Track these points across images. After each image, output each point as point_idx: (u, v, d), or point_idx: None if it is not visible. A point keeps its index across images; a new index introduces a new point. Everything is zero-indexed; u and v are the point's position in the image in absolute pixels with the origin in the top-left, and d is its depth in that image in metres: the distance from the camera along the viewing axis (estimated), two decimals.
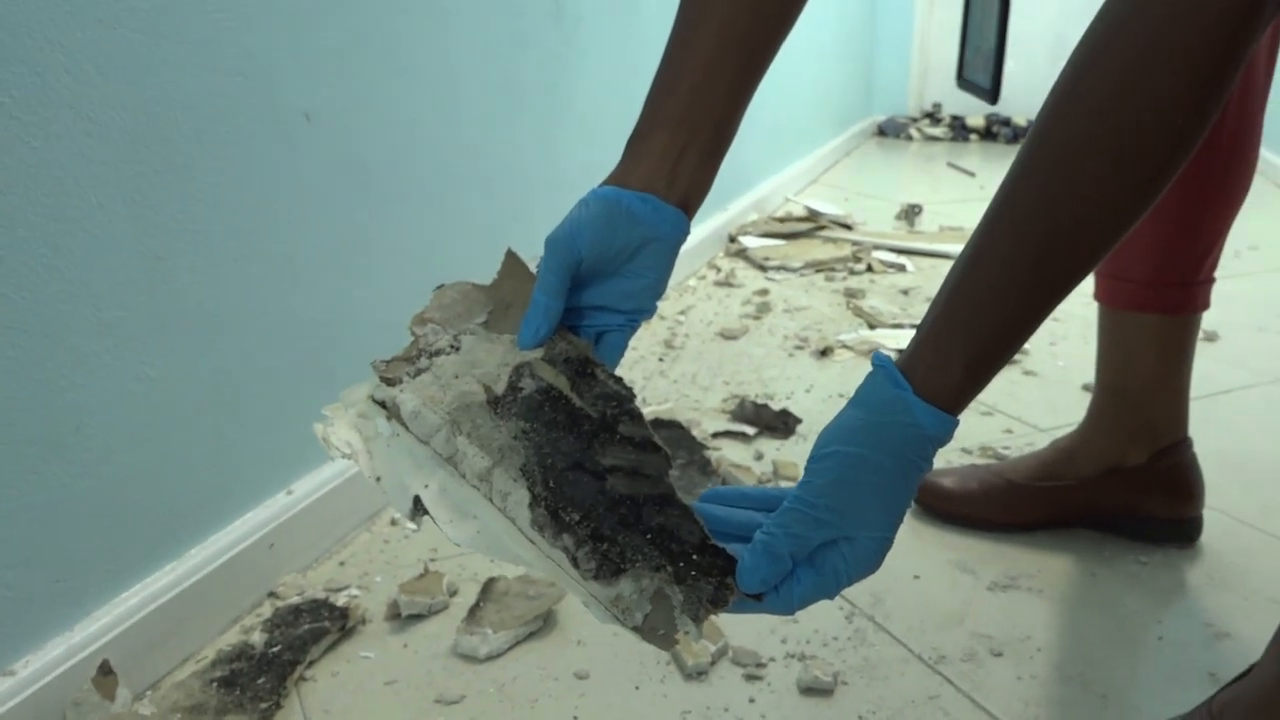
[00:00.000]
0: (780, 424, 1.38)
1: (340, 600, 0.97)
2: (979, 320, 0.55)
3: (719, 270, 2.22)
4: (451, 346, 0.66)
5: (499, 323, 0.67)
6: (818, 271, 2.21)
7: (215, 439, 0.94)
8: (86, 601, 0.82)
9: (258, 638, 0.90)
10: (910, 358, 0.56)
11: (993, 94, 0.82)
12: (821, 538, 0.55)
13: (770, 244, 2.38)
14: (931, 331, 0.56)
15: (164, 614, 0.87)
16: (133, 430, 0.84)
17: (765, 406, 1.41)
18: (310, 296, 1.04)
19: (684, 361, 1.67)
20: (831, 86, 3.80)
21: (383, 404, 0.63)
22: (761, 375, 1.61)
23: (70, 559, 0.80)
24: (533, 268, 0.66)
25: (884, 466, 0.54)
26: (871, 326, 1.83)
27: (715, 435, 1.36)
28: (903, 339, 1.74)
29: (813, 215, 2.61)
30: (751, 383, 1.57)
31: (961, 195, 3.14)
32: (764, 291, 2.05)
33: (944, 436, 0.54)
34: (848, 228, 2.57)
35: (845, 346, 1.73)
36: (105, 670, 0.80)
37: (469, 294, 0.70)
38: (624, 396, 0.63)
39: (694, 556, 0.57)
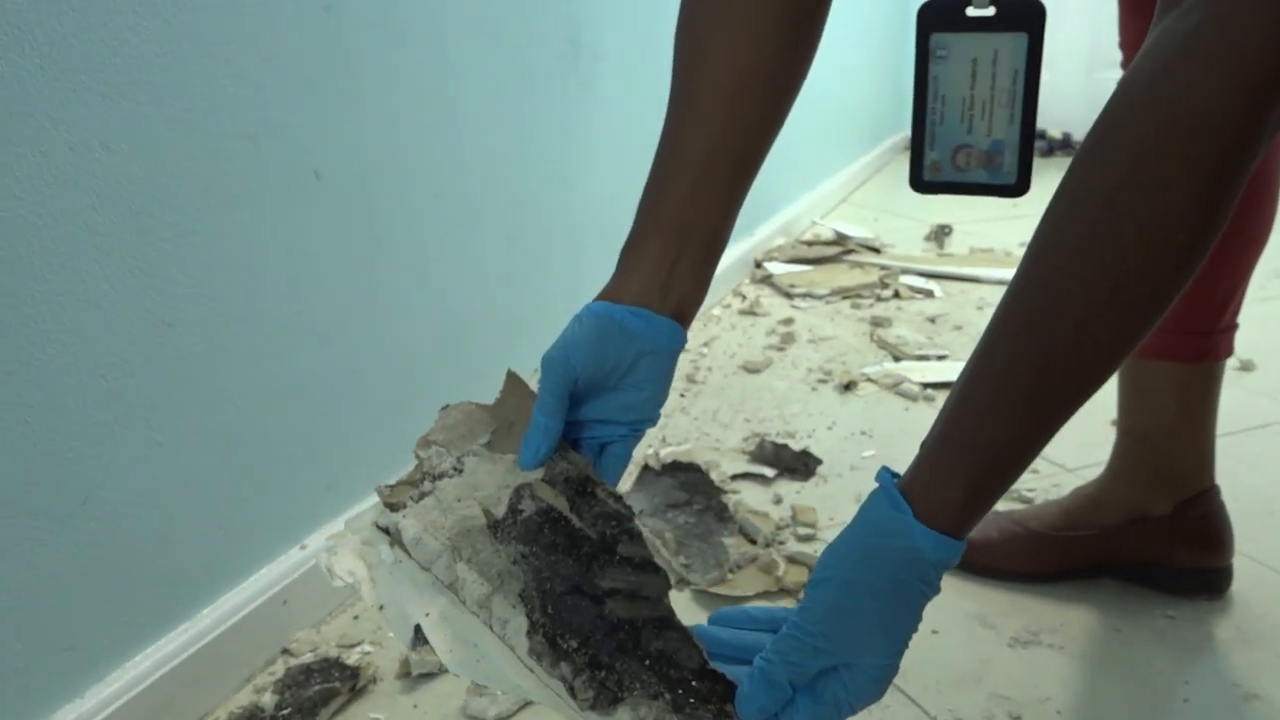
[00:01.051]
0: (800, 465, 1.37)
1: (352, 658, 0.97)
2: (978, 443, 0.53)
3: (744, 298, 2.21)
4: (455, 469, 0.67)
5: (502, 442, 0.68)
6: (844, 298, 2.19)
7: (226, 499, 0.94)
8: (98, 667, 0.83)
9: (268, 699, 0.91)
10: (911, 478, 0.54)
11: (1020, 186, 0.76)
12: (819, 665, 0.54)
13: (796, 270, 2.37)
14: (932, 451, 0.55)
15: (176, 676, 0.87)
16: (142, 497, 0.85)
17: (785, 447, 1.40)
18: (320, 354, 1.04)
19: (705, 397, 1.66)
20: (860, 102, 3.77)
21: (386, 530, 0.64)
22: (783, 412, 1.59)
23: (80, 627, 0.80)
24: (533, 385, 0.66)
25: (881, 591, 0.52)
26: (896, 359, 1.81)
27: (734, 477, 1.35)
28: (927, 371, 1.72)
29: (840, 239, 2.59)
30: (773, 419, 1.56)
31: (994, 214, 3.10)
32: (789, 321, 2.04)
33: (947, 560, 0.53)
34: (876, 250, 2.55)
35: (869, 380, 1.71)
36: None
37: (472, 414, 0.71)
38: (623, 515, 0.63)
39: (693, 683, 0.57)
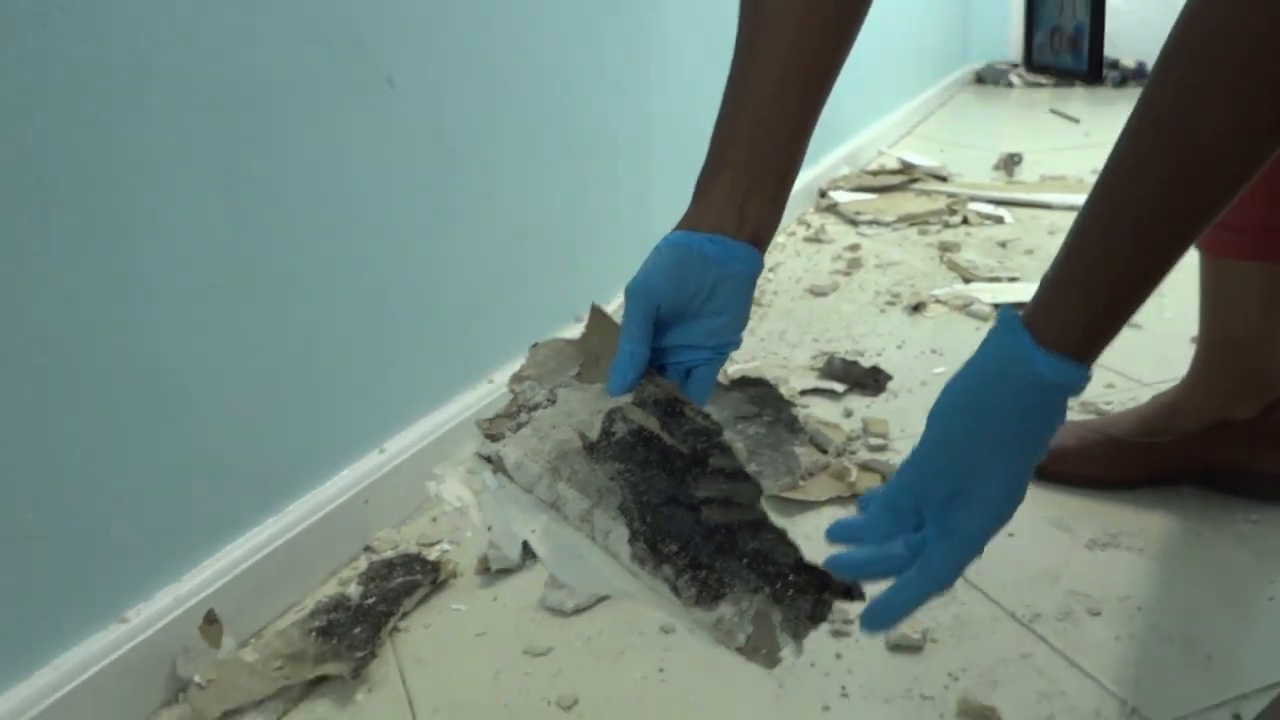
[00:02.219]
0: (871, 381, 1.36)
1: (432, 555, 0.99)
2: (1097, 269, 0.54)
3: (808, 226, 2.19)
4: (548, 400, 0.70)
5: (590, 374, 0.71)
6: (911, 225, 2.16)
7: (308, 400, 0.96)
8: (194, 553, 0.86)
9: (354, 590, 0.93)
10: (1032, 309, 0.55)
11: (1092, 73, 0.75)
12: (943, 490, 0.55)
13: (862, 198, 2.33)
14: (1050, 282, 0.55)
15: (266, 565, 0.90)
16: (230, 393, 0.87)
17: (855, 363, 1.39)
18: (394, 261, 1.06)
19: (771, 319, 1.65)
20: (927, 34, 3.69)
21: (488, 459, 0.68)
22: (852, 332, 1.58)
23: (177, 514, 0.83)
24: (616, 319, 0.69)
25: (1002, 414, 0.53)
26: (966, 281, 1.78)
27: (803, 393, 1.34)
28: (1000, 293, 1.69)
29: (906, 168, 2.55)
30: (841, 339, 1.55)
31: (1066, 143, 3.02)
32: (855, 247, 2.01)
33: (1072, 384, 0.54)
34: (943, 179, 2.50)
35: (939, 302, 1.68)
36: (211, 619, 0.84)
37: (561, 350, 0.74)
38: (713, 431, 0.66)
39: (790, 577, 0.59)
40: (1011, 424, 0.54)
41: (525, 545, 0.65)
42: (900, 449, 1.19)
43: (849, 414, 1.29)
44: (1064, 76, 0.93)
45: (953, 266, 1.85)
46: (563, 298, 1.39)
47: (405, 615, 0.92)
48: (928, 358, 1.47)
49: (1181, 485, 1.08)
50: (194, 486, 0.85)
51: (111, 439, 0.77)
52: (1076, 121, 3.38)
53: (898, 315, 1.65)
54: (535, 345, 0.75)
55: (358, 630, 0.87)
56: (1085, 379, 0.54)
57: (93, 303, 0.74)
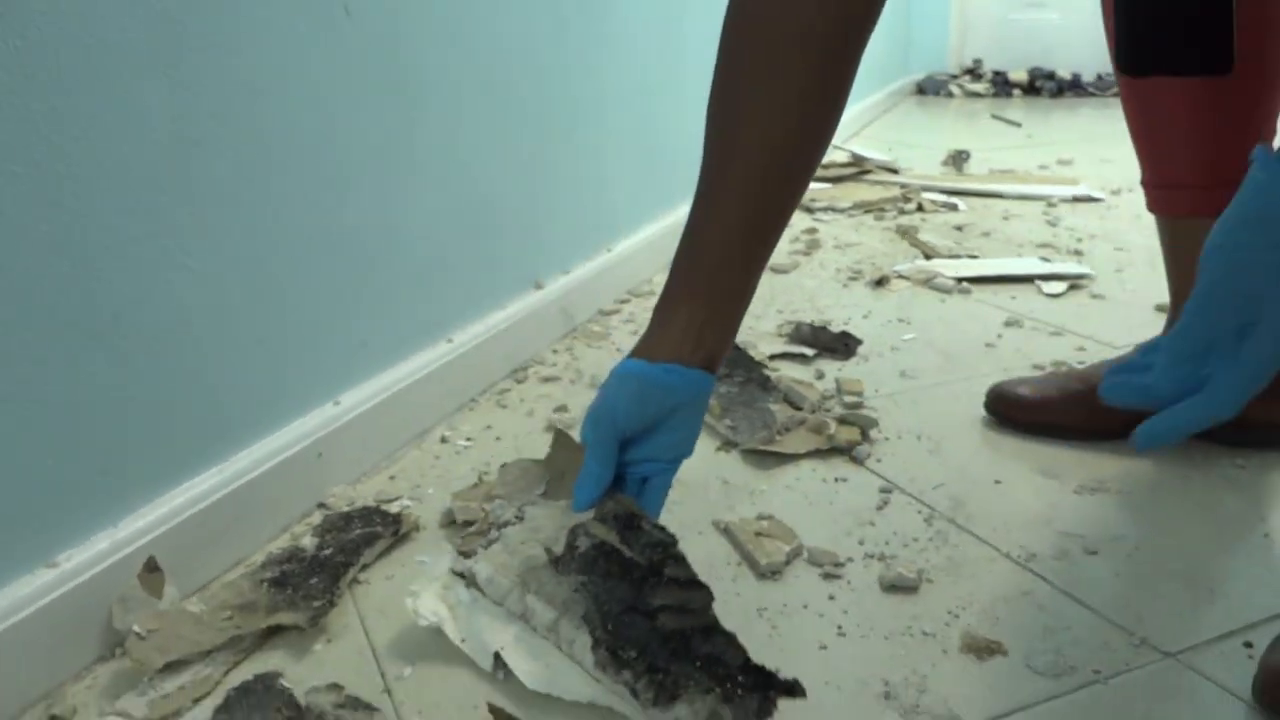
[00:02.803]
0: (840, 345, 1.33)
1: (393, 510, 0.93)
2: None
3: None
4: (516, 517, 0.80)
5: (555, 490, 0.83)
6: (866, 211, 2.15)
7: (258, 342, 0.89)
8: (131, 498, 0.78)
9: (308, 541, 0.86)
10: None
11: (1226, 63, 0.73)
12: (1229, 325, 0.55)
13: (816, 187, 2.32)
14: None
15: (212, 515, 0.83)
16: (173, 324, 0.80)
17: (823, 328, 1.36)
18: (352, 200, 0.99)
19: None
20: (870, 43, 3.72)
21: (461, 575, 0.77)
22: (816, 304, 1.55)
23: (113, 452, 0.76)
24: (575, 438, 0.80)
25: (1276, 242, 0.54)
26: (927, 257, 1.77)
27: (773, 357, 1.30)
28: (962, 269, 1.67)
29: (857, 160, 2.54)
30: (806, 311, 1.52)
31: (1010, 143, 3.05)
32: (812, 230, 1.99)
33: None
34: (894, 171, 2.50)
35: (901, 277, 1.66)
36: (152, 567, 0.76)
37: (528, 469, 0.87)
38: (667, 543, 0.73)
39: (739, 677, 0.64)
40: None
41: (497, 656, 0.71)
42: (877, 406, 1.15)
43: (820, 376, 1.25)
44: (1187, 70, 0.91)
45: (914, 243, 1.84)
46: (524, 263, 1.34)
47: (365, 567, 0.85)
48: (895, 326, 1.44)
49: None
50: (130, 423, 0.77)
51: (39, 364, 0.69)
52: (1018, 125, 3.42)
53: (861, 290, 1.62)
54: (504, 465, 0.89)
55: (314, 581, 0.80)
56: None
57: (24, 208, 0.67)
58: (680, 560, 0.73)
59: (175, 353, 0.81)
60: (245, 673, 0.72)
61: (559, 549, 0.75)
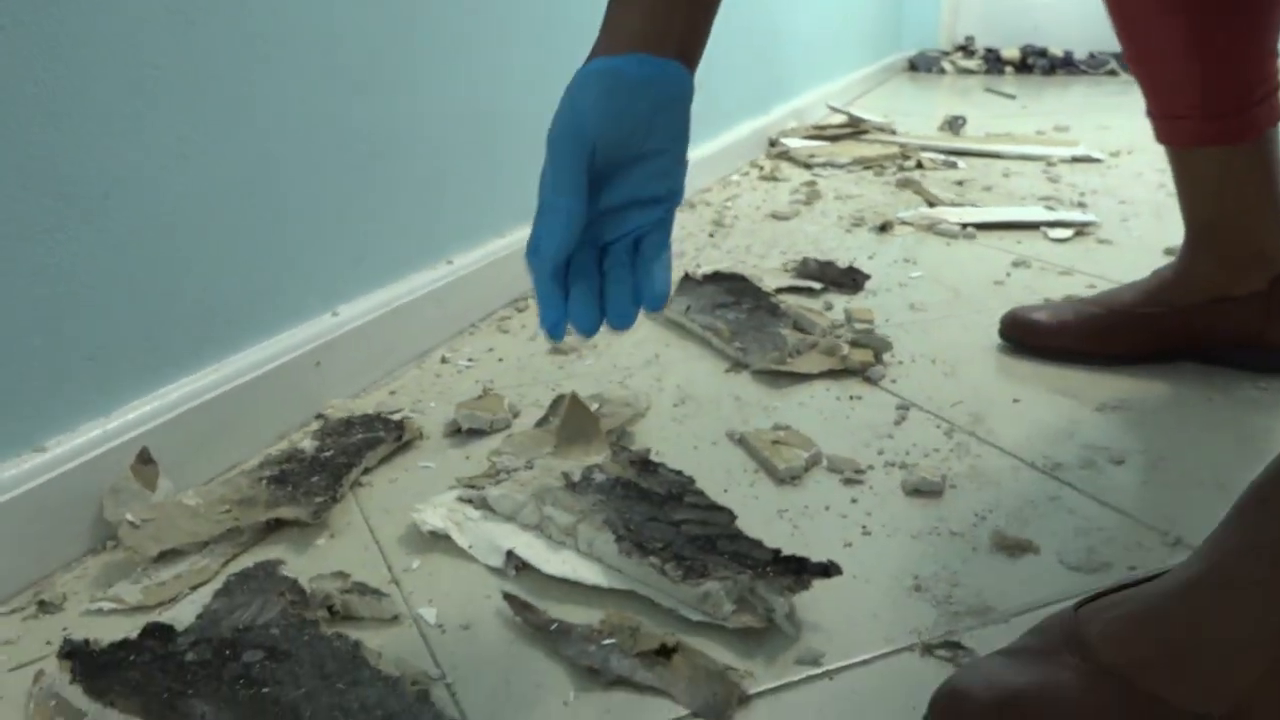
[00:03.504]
0: (848, 280, 1.30)
1: (396, 417, 0.89)
2: None
3: (762, 168, 2.13)
4: (526, 466, 0.77)
5: (565, 451, 0.79)
6: (865, 168, 2.12)
7: (254, 240, 0.86)
8: (122, 389, 0.75)
9: (308, 444, 0.83)
10: None
11: None
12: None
13: (814, 144, 2.29)
14: None
15: (206, 413, 0.79)
16: (166, 209, 0.76)
17: (830, 264, 1.33)
18: (351, 104, 0.96)
19: (736, 236, 1.59)
20: (865, 17, 3.69)
21: (469, 501, 0.74)
22: (820, 247, 1.52)
23: (102, 338, 0.72)
24: (593, 408, 0.81)
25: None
26: (931, 204, 1.74)
27: (780, 290, 1.27)
28: (965, 215, 1.65)
29: (854, 121, 2.51)
30: (810, 252, 1.49)
31: (1005, 113, 3.03)
32: (811, 183, 1.96)
33: None
34: (891, 132, 2.47)
35: (905, 223, 1.64)
36: (145, 458, 0.73)
37: (536, 436, 0.83)
38: (685, 481, 0.74)
39: (769, 567, 0.64)
40: None
41: (509, 553, 0.68)
42: (889, 333, 1.12)
43: (829, 307, 1.22)
44: None
45: (918, 190, 1.81)
46: (524, 191, 1.30)
47: (368, 470, 0.82)
48: (902, 265, 1.41)
49: (1180, 361, 1.03)
50: (119, 309, 0.73)
51: (27, 235, 0.65)
52: (1013, 97, 3.41)
53: (864, 234, 1.59)
54: (510, 434, 0.85)
55: (315, 479, 0.77)
56: None
57: (13, 64, 0.63)
58: (700, 494, 0.73)
59: (168, 241, 0.77)
60: (244, 564, 0.68)
61: (575, 478, 0.74)
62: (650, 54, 0.54)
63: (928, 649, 0.60)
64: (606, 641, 0.60)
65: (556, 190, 0.53)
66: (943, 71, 4.32)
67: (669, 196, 0.56)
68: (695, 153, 1.90)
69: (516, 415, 0.92)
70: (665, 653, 0.59)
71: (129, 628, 0.60)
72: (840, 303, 1.24)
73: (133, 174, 0.73)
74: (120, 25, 0.70)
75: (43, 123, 0.65)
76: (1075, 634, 0.52)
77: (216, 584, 0.66)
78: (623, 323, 0.54)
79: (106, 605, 0.64)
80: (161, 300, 0.77)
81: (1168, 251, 1.43)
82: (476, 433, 0.89)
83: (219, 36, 0.79)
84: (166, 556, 0.68)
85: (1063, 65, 4.21)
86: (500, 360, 1.07)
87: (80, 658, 0.56)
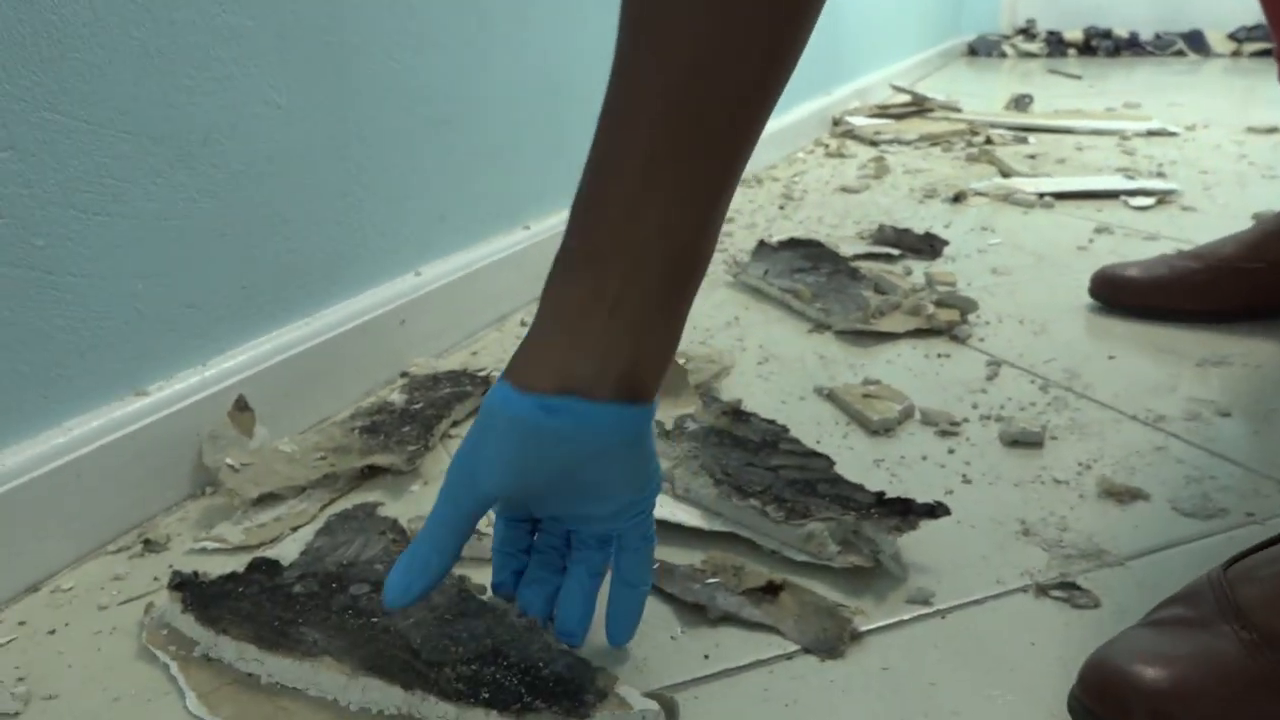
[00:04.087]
0: (926, 246, 1.27)
1: (481, 374, 0.89)
2: None
3: (827, 146, 2.11)
4: None
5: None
6: (933, 144, 2.09)
7: (341, 197, 0.86)
8: (219, 337, 0.75)
9: (397, 398, 0.83)
10: None
11: None
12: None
13: (879, 122, 2.26)
14: None
15: (298, 365, 0.80)
16: (260, 159, 0.77)
17: (908, 231, 1.30)
18: (428, 60, 0.96)
19: (807, 208, 1.57)
20: (920, 1, 3.64)
21: None
22: (893, 217, 1.49)
23: (200, 284, 0.73)
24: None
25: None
26: (1005, 175, 1.70)
27: (857, 257, 1.25)
28: (1041, 185, 1.61)
29: (918, 99, 2.48)
30: (884, 221, 1.46)
31: (1071, 92, 2.97)
32: (879, 159, 1.94)
33: None
34: (957, 110, 2.43)
35: (979, 194, 1.60)
36: (242, 406, 0.73)
37: None
38: (780, 430, 0.73)
39: (873, 509, 0.62)
40: None
41: None
42: (971, 294, 1.10)
43: (909, 272, 1.20)
44: None
45: (991, 160, 1.78)
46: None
47: (457, 424, 0.82)
48: (979, 234, 1.38)
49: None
50: (217, 255, 0.74)
51: (128, 178, 0.66)
52: (1078, 77, 3.33)
53: (938, 206, 1.56)
54: None
55: (407, 429, 0.77)
56: None
57: (113, 7, 0.64)
58: (795, 442, 0.71)
59: (263, 192, 0.77)
60: (341, 507, 0.69)
61: (668, 426, 0.72)
62: (577, 397, 0.43)
63: (1042, 590, 0.59)
64: (711, 580, 0.59)
65: (427, 535, 0.47)
66: (1003, 55, 4.25)
67: (633, 512, 0.49)
68: None
69: None
70: (772, 590, 0.58)
71: (234, 565, 0.60)
72: (920, 268, 1.22)
73: (229, 120, 0.73)
74: None
75: (142, 65, 0.66)
76: (1230, 600, 0.48)
77: (317, 524, 0.66)
78: (571, 638, 0.50)
79: (210, 545, 0.64)
80: (254, 250, 0.77)
81: (1255, 216, 1.39)
82: None
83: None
84: (265, 500, 0.68)
85: (1128, 46, 4.11)
86: None
87: (190, 588, 0.56)
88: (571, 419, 0.43)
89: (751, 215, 1.52)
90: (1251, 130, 2.08)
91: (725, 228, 1.44)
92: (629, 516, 0.49)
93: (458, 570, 0.59)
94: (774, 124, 1.95)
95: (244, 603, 0.55)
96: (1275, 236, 0.99)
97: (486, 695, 0.48)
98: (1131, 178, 1.65)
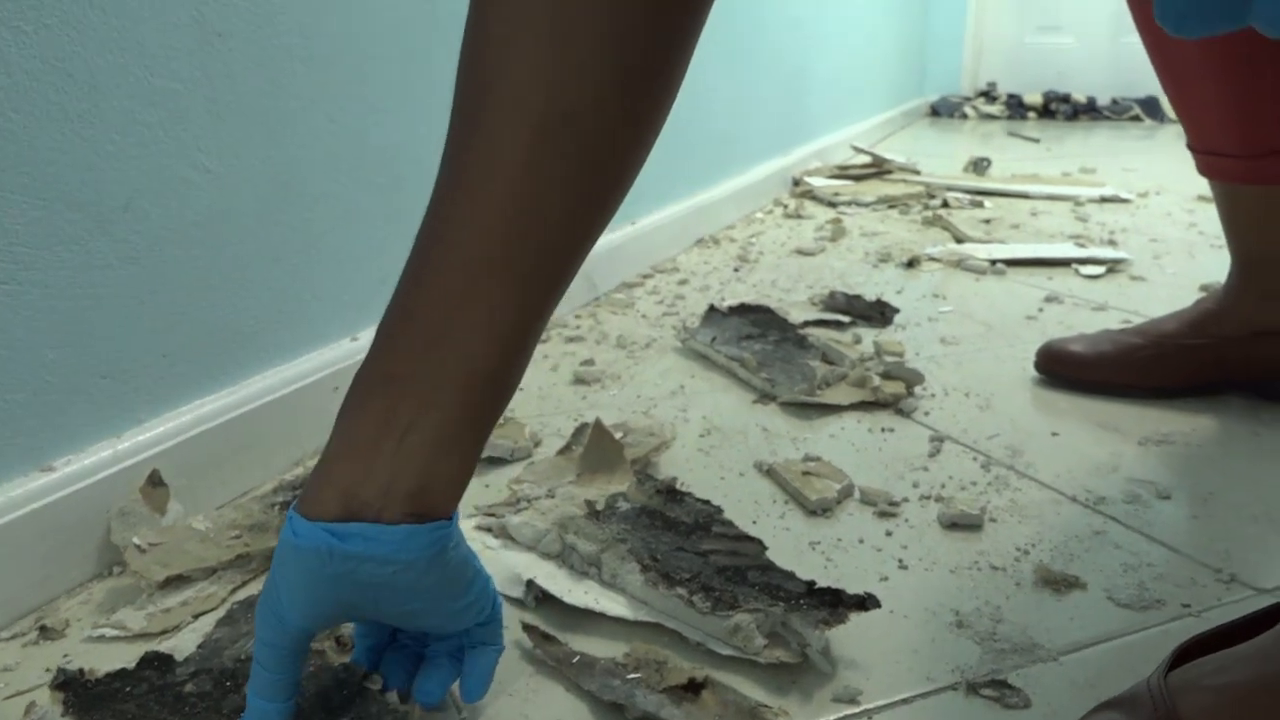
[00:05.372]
0: (876, 314, 1.27)
1: None
2: None
3: (786, 206, 2.12)
4: (547, 495, 0.74)
5: (587, 479, 0.76)
6: (890, 206, 2.10)
7: (275, 262, 0.84)
8: (136, 408, 0.73)
9: None
10: None
11: None
12: None
13: (838, 183, 2.28)
14: None
15: (221, 436, 0.77)
16: (186, 226, 0.75)
17: (858, 297, 1.30)
18: (376, 122, 0.94)
19: (761, 271, 1.57)
20: (883, 62, 3.70)
21: (489, 529, 0.71)
22: (846, 282, 1.49)
23: (116, 355, 0.70)
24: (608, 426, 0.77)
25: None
26: (959, 240, 1.71)
27: (807, 324, 1.25)
28: (995, 252, 1.62)
29: (878, 160, 2.50)
30: (837, 286, 1.46)
31: (1029, 155, 3.02)
32: (836, 220, 1.95)
33: None
34: (915, 172, 2.46)
35: (933, 259, 1.61)
36: (155, 481, 0.70)
37: (558, 464, 0.80)
38: (713, 511, 0.71)
39: (803, 600, 0.60)
40: None
41: (530, 583, 0.65)
42: (919, 365, 1.10)
43: (858, 340, 1.20)
44: None
45: (945, 226, 1.79)
46: None
47: None
48: (931, 300, 1.39)
49: (1225, 394, 1.00)
50: (136, 326, 0.72)
51: (44, 245, 0.64)
52: (1036, 140, 3.39)
53: (892, 270, 1.57)
54: (532, 462, 0.82)
55: None
56: None
57: (32, 71, 0.62)
58: (728, 524, 0.70)
59: (188, 258, 0.75)
60: (252, 591, 0.66)
61: (599, 506, 0.71)
62: (364, 521, 0.42)
63: (972, 688, 0.57)
64: (632, 676, 0.57)
65: (256, 687, 0.45)
66: (965, 116, 4.32)
67: (466, 615, 0.48)
68: (720, 189, 1.89)
69: (538, 444, 0.90)
70: (694, 688, 0.56)
71: (131, 656, 0.57)
72: (869, 336, 1.21)
73: (153, 186, 0.71)
74: (146, 35, 0.69)
75: (61, 130, 0.64)
76: (1171, 710, 0.46)
77: (221, 612, 0.63)
78: (427, 699, 0.51)
79: (109, 632, 0.61)
80: (180, 318, 0.75)
81: (1202, 288, 1.40)
82: (497, 460, 0.86)
83: (244, 50, 0.78)
84: (173, 582, 0.65)
85: (1086, 111, 4.20)
86: (521, 389, 1.05)
87: (74, 688, 0.53)
88: (360, 544, 0.43)
89: (705, 277, 1.52)
90: (1202, 199, 2.11)
91: (678, 289, 1.44)
92: (470, 619, 0.49)
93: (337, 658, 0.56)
94: (734, 183, 1.96)
95: (130, 704, 0.52)
96: (1214, 316, 0.99)
97: None
98: (1083, 245, 1.67)
